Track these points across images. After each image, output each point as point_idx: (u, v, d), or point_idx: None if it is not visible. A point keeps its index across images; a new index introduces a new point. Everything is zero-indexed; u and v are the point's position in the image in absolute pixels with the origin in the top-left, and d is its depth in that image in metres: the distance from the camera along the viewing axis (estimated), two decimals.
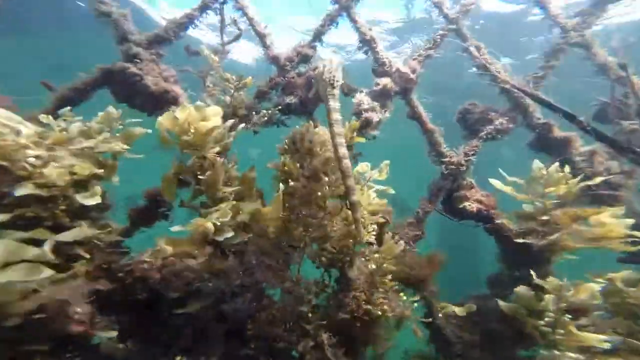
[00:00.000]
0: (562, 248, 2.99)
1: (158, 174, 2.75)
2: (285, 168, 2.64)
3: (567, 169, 3.23)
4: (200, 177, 2.52)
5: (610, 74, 3.90)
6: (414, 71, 4.01)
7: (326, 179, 2.58)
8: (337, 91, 2.48)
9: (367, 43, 4.05)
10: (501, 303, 3.00)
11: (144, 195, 3.16)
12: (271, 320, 2.43)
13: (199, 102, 2.63)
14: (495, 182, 3.53)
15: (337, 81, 2.49)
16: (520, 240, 3.10)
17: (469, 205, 3.76)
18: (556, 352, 2.55)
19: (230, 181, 2.70)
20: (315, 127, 4.17)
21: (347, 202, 2.46)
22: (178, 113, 2.50)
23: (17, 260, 1.90)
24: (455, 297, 3.60)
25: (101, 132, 2.50)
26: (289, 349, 2.37)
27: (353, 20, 4.13)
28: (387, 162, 2.97)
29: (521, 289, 2.91)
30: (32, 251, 1.95)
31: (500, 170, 3.49)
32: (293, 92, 3.89)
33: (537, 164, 3.34)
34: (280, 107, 3.77)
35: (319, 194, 2.57)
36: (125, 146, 2.54)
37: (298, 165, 2.62)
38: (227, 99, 3.36)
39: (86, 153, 2.36)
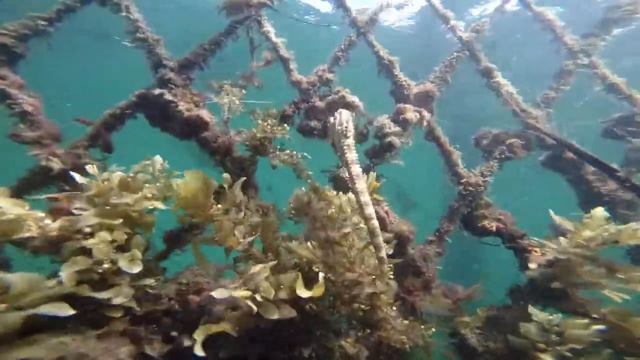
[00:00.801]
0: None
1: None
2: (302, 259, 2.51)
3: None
4: (216, 239, 2.45)
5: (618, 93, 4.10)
6: (429, 94, 4.18)
7: (346, 243, 2.50)
8: (351, 141, 2.44)
9: (385, 67, 4.21)
10: (511, 338, 2.99)
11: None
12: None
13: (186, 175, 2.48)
14: (548, 243, 3.34)
15: (350, 131, 2.45)
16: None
17: (488, 223, 3.89)
18: None
19: (253, 230, 2.59)
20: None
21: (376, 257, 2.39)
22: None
23: (37, 292, 1.85)
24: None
25: (143, 186, 2.53)
26: None
27: (371, 45, 4.31)
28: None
29: (527, 325, 2.89)
30: (51, 284, 1.91)
31: (551, 212, 3.37)
32: (316, 116, 4.02)
33: (599, 213, 3.00)
34: (304, 132, 3.87)
35: (344, 259, 2.47)
36: (162, 206, 2.56)
37: (309, 244, 2.50)
38: (258, 131, 3.37)
39: (122, 209, 2.36)
